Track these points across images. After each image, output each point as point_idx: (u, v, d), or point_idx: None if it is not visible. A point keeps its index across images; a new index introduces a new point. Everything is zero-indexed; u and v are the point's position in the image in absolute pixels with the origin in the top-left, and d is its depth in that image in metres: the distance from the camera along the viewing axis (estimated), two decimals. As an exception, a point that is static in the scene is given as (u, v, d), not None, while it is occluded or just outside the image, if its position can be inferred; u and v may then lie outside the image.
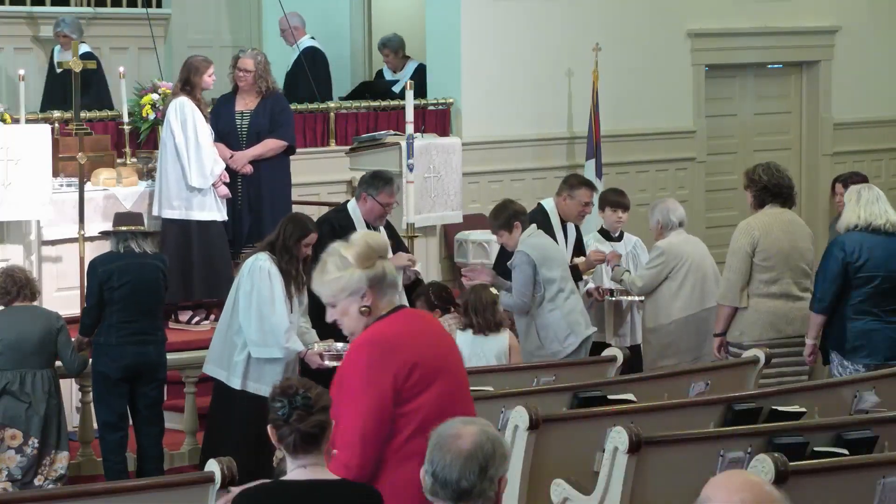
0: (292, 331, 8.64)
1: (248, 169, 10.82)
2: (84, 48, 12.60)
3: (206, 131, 10.54)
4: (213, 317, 10.66)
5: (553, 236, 9.90)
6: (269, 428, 4.79)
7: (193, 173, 10.46)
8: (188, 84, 10.56)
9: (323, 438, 4.81)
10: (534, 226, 9.43)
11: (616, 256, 10.15)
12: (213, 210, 10.59)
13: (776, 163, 9.59)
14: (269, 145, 10.87)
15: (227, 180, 10.64)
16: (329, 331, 9.04)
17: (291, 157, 11.09)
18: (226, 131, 10.86)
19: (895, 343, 8.81)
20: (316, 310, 9.22)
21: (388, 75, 13.74)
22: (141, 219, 9.01)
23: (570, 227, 10.27)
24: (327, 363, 8.66)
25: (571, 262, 9.93)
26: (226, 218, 10.68)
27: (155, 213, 10.63)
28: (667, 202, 10.36)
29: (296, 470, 4.79)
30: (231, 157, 10.79)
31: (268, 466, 8.48)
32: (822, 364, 9.19)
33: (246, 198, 10.80)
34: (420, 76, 13.14)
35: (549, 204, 10.12)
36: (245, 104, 10.92)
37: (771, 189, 9.23)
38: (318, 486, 4.77)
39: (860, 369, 8.78)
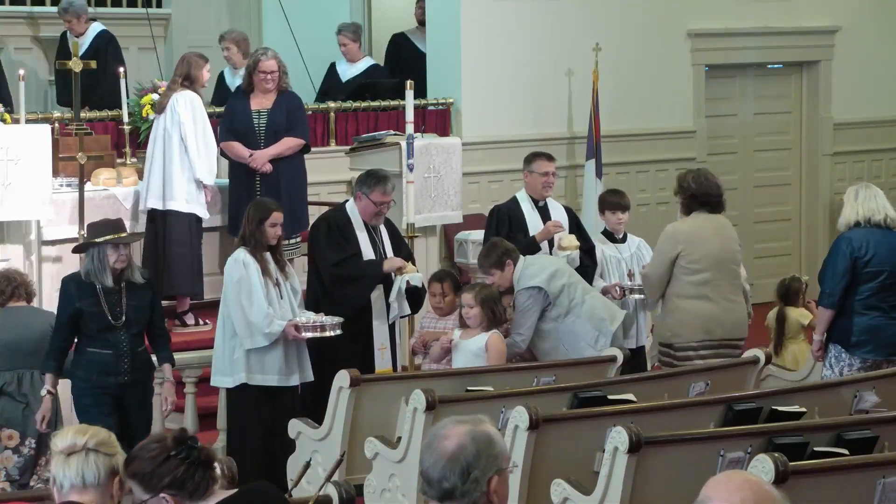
0: (274, 315, 8.69)
1: (268, 168, 10.80)
2: (97, 27, 12.60)
3: (210, 129, 10.61)
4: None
5: (521, 220, 10.09)
6: (165, 495, 4.59)
7: (203, 168, 10.49)
8: (188, 79, 10.58)
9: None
10: (522, 258, 9.44)
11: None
12: (205, 208, 10.62)
13: (707, 170, 9.77)
14: (288, 143, 10.87)
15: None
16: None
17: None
18: (242, 130, 10.85)
19: None
20: (315, 301, 9.28)
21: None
22: (122, 224, 8.83)
23: (557, 209, 10.30)
24: (306, 335, 8.75)
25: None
26: (207, 216, 10.67)
27: (152, 206, 10.58)
28: None
29: None
30: (250, 155, 10.79)
31: (279, 458, 8.54)
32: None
33: (264, 196, 10.66)
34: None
35: (522, 193, 10.34)
36: (260, 103, 10.90)
37: (699, 197, 9.37)
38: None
39: (855, 363, 8.94)
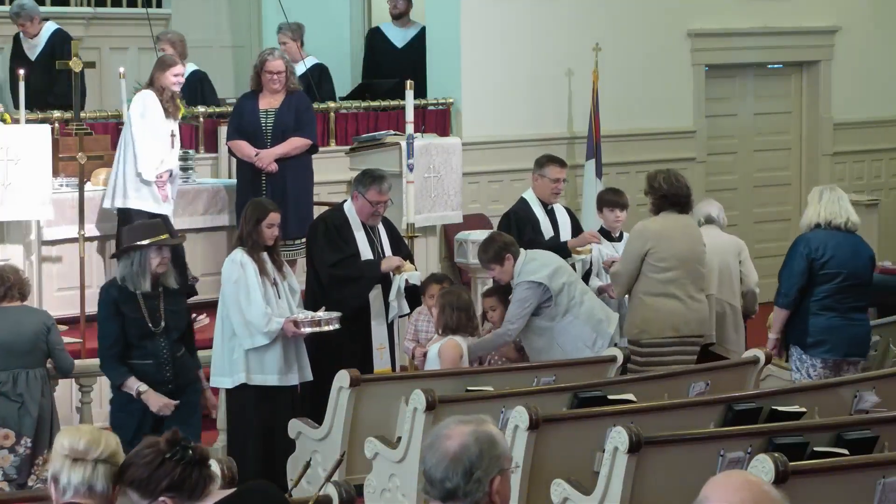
0: (272, 314, 8.69)
1: (274, 167, 10.80)
2: (51, 26, 12.50)
3: (162, 128, 10.42)
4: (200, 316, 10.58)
5: (536, 222, 10.12)
6: (165, 498, 4.56)
7: (144, 162, 10.32)
8: (152, 79, 10.52)
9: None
10: (524, 252, 9.42)
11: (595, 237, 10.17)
12: (154, 203, 10.40)
13: (676, 171, 9.89)
14: (295, 143, 10.86)
15: (167, 183, 10.45)
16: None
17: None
18: (250, 130, 10.87)
19: (855, 339, 9.13)
20: (313, 302, 9.27)
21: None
22: (163, 225, 8.48)
23: (562, 211, 10.34)
24: (305, 330, 8.73)
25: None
26: (165, 213, 10.41)
27: (107, 205, 10.49)
28: (702, 202, 10.82)
29: None
30: (256, 155, 10.78)
31: (279, 458, 8.54)
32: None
33: (270, 196, 10.55)
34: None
35: (530, 194, 10.36)
36: (269, 103, 10.91)
37: (670, 198, 9.55)
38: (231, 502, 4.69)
39: (817, 363, 9.09)
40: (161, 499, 4.56)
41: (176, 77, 10.59)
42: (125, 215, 10.38)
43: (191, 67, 12.24)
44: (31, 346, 8.62)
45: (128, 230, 8.34)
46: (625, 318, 9.88)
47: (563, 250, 10.01)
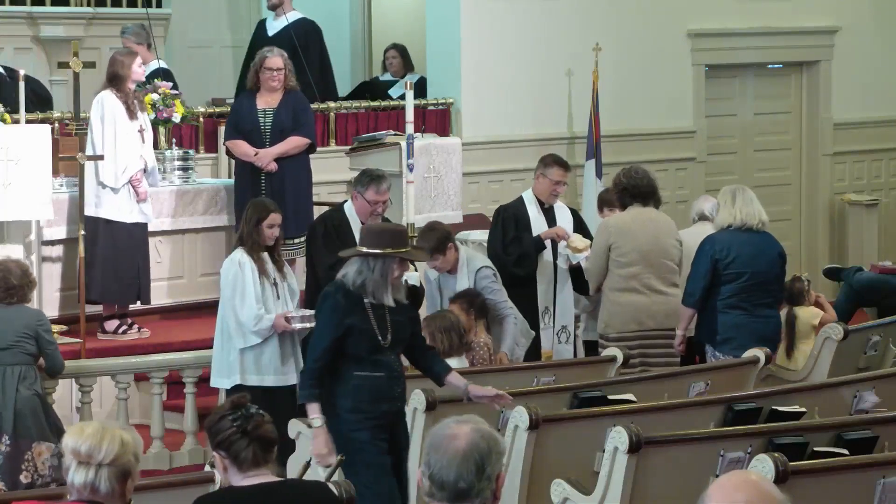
0: (263, 314, 8.68)
1: (273, 166, 10.79)
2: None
3: (126, 129, 10.24)
4: (141, 326, 10.53)
5: (527, 222, 10.19)
6: (216, 453, 4.81)
7: (107, 171, 10.17)
8: (115, 79, 10.28)
9: (276, 447, 4.90)
10: (462, 245, 9.60)
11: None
12: (123, 211, 10.26)
13: (639, 166, 10.01)
14: (294, 142, 10.86)
15: (141, 181, 10.25)
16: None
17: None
18: (248, 129, 10.86)
19: (761, 336, 9.28)
20: (313, 303, 9.26)
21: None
22: (406, 235, 7.65)
23: (563, 210, 10.36)
24: (296, 326, 8.71)
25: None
26: (141, 220, 10.33)
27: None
28: (699, 199, 11.00)
29: (243, 483, 4.85)
30: (255, 154, 10.77)
31: (279, 458, 8.51)
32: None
33: (269, 195, 10.43)
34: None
35: (528, 193, 10.44)
36: (266, 102, 10.90)
37: (630, 191, 9.73)
38: (273, 488, 4.84)
39: (729, 359, 9.26)
40: (213, 452, 4.87)
41: (141, 68, 10.36)
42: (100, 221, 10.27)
43: None
44: (9, 343, 8.53)
45: (369, 233, 7.42)
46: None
47: (541, 245, 10.12)
